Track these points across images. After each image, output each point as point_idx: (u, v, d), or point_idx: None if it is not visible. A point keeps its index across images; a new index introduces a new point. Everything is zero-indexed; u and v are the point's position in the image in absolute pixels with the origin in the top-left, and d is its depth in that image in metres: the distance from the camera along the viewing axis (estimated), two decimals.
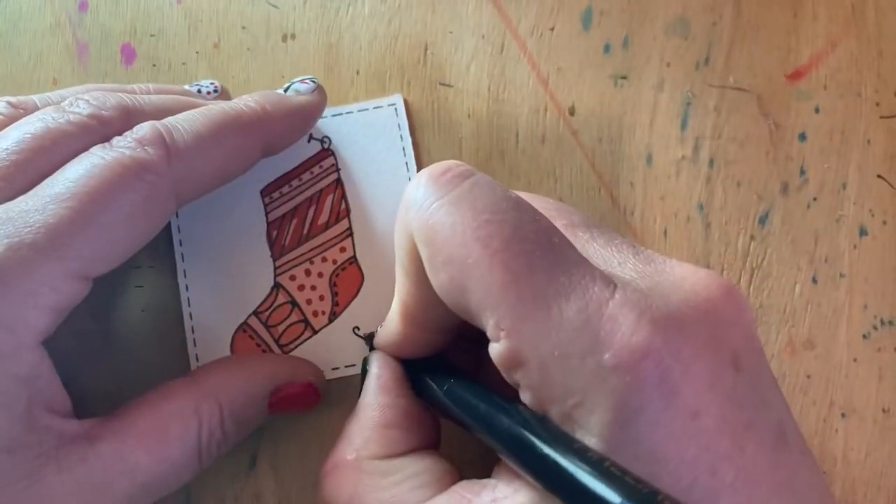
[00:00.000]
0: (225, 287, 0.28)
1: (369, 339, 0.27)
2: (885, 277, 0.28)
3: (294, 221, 0.29)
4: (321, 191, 0.29)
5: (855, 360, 0.28)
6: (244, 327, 0.28)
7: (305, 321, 0.28)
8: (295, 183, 0.29)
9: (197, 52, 0.31)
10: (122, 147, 0.23)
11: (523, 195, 0.20)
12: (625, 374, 0.16)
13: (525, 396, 0.18)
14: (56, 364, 0.22)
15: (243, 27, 0.31)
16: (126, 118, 0.24)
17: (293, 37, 0.31)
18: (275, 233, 0.29)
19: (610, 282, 0.18)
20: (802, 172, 0.29)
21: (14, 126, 0.23)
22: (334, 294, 0.28)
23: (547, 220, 0.19)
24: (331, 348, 0.28)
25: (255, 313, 0.28)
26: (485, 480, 0.20)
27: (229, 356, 0.27)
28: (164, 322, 0.28)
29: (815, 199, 0.29)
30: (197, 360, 0.28)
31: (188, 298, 0.28)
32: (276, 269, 0.28)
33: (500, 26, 0.30)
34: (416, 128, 0.30)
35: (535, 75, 0.30)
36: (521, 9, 0.30)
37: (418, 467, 0.21)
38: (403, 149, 0.29)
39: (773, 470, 0.17)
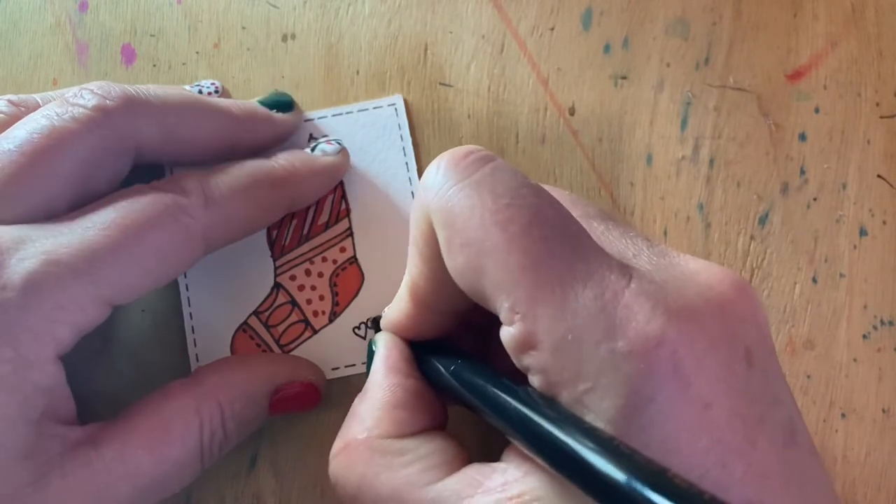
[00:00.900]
0: (225, 287, 0.28)
1: (375, 322, 0.27)
2: (885, 277, 0.28)
3: (294, 221, 0.29)
4: None
5: (855, 360, 0.28)
6: (244, 327, 0.28)
7: (305, 321, 0.28)
8: None
9: (197, 52, 0.31)
10: (165, 189, 0.24)
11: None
12: (638, 361, 0.16)
13: (535, 380, 0.18)
14: None
15: (243, 27, 0.31)
16: (131, 108, 0.24)
17: (293, 37, 0.31)
18: (275, 233, 0.29)
19: (626, 271, 0.18)
20: (802, 172, 0.29)
21: (19, 125, 0.23)
22: (334, 294, 0.28)
23: (565, 208, 0.19)
24: (331, 348, 0.28)
25: (256, 313, 0.28)
26: (495, 464, 0.20)
27: (229, 356, 0.27)
28: (164, 322, 0.28)
29: (815, 199, 0.29)
30: (197, 360, 0.28)
31: (188, 298, 0.28)
32: (276, 269, 0.28)
33: (500, 26, 0.30)
34: (416, 128, 0.30)
35: (535, 75, 0.30)
36: (521, 9, 0.30)
37: (429, 448, 0.21)
38: (403, 149, 0.29)
39: (782, 466, 0.17)
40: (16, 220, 0.22)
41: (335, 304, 0.28)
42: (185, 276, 0.28)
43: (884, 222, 0.29)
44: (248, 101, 0.28)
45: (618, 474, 0.15)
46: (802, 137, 0.29)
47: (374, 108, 0.30)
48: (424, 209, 0.20)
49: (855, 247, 0.28)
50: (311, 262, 0.28)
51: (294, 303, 0.28)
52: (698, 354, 0.17)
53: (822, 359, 0.28)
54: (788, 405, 0.18)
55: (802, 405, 0.27)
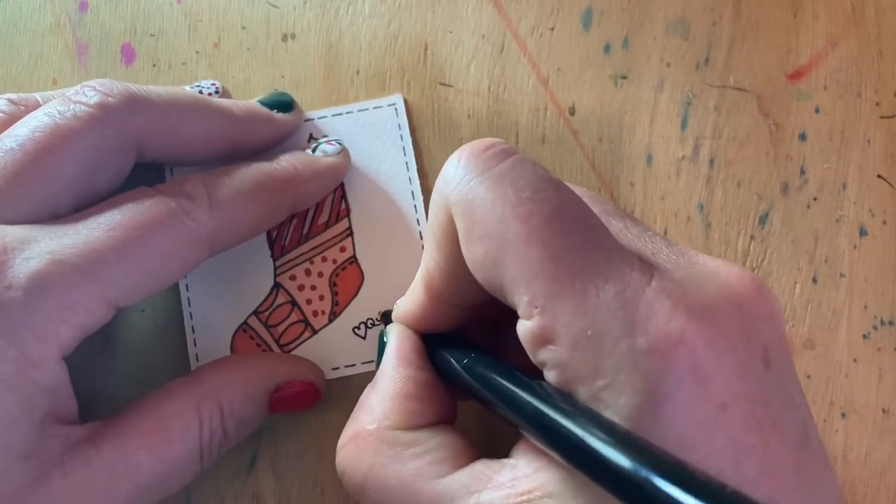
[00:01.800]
0: (225, 287, 0.28)
1: (386, 315, 0.27)
2: (885, 277, 0.28)
3: (294, 221, 0.29)
4: None
5: (855, 360, 0.28)
6: (244, 327, 0.28)
7: (305, 321, 0.28)
8: None
9: (197, 52, 0.31)
10: (170, 192, 0.24)
11: None
12: (658, 358, 0.16)
13: (551, 375, 0.18)
14: None
15: (243, 27, 0.31)
16: (133, 105, 0.24)
17: (293, 37, 0.31)
18: (275, 233, 0.29)
19: (647, 269, 0.18)
20: (802, 172, 0.29)
21: (21, 123, 0.23)
22: (334, 294, 0.28)
23: (585, 203, 0.19)
24: (331, 348, 0.28)
25: (256, 313, 0.28)
26: (504, 460, 0.19)
27: (229, 356, 0.27)
28: (164, 322, 0.28)
29: (815, 199, 0.29)
30: (197, 360, 0.28)
31: (188, 298, 0.28)
32: (276, 268, 0.28)
33: (500, 26, 0.30)
34: (416, 128, 0.30)
35: (535, 75, 0.30)
36: (521, 9, 0.30)
37: (438, 441, 0.21)
38: (403, 149, 0.29)
39: (795, 469, 0.17)
40: (20, 219, 0.22)
41: (335, 303, 0.28)
42: (186, 277, 0.28)
43: (884, 222, 0.29)
44: (249, 101, 0.28)
45: (637, 468, 0.14)
46: (802, 137, 0.29)
47: (374, 108, 0.30)
48: (444, 200, 0.20)
49: (855, 247, 0.28)
50: (311, 262, 0.28)
51: (294, 303, 0.28)
52: (717, 353, 0.17)
53: (822, 359, 0.28)
54: (802, 408, 0.18)
55: None
